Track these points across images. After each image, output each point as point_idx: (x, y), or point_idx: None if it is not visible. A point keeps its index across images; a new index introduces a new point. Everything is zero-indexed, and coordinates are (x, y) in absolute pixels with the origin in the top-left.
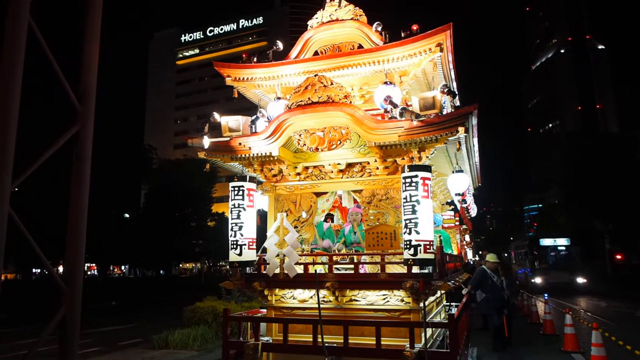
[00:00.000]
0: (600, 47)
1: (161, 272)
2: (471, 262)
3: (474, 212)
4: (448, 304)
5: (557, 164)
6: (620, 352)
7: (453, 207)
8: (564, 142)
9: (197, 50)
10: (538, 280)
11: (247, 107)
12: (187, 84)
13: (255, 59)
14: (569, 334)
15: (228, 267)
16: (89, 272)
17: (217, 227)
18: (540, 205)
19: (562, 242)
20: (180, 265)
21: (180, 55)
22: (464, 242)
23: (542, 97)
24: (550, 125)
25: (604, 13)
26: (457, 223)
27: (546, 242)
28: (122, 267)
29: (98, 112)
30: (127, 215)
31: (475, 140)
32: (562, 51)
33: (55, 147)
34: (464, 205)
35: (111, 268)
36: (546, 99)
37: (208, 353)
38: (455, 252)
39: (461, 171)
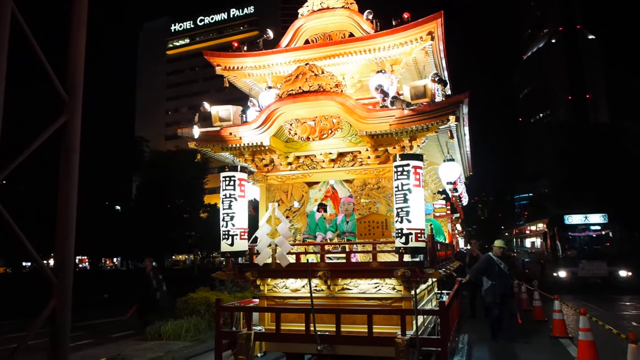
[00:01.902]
0: (590, 37)
1: (154, 264)
2: (463, 251)
3: (465, 200)
4: (440, 291)
5: (548, 154)
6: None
7: (444, 196)
8: (555, 132)
9: (187, 40)
10: (562, 273)
11: (239, 98)
12: (178, 75)
13: (245, 48)
14: (557, 319)
15: (221, 258)
16: (80, 265)
17: (209, 219)
18: (531, 195)
19: (596, 218)
20: (173, 257)
21: (171, 45)
22: (456, 231)
23: (533, 87)
24: (541, 115)
25: (596, 3)
26: (449, 212)
27: (574, 219)
28: (114, 260)
29: (87, 103)
30: (118, 208)
31: (466, 129)
32: (553, 41)
33: (42, 139)
34: (456, 194)
35: (103, 261)
36: (537, 89)
37: (201, 343)
38: (446, 241)
39: (452, 160)
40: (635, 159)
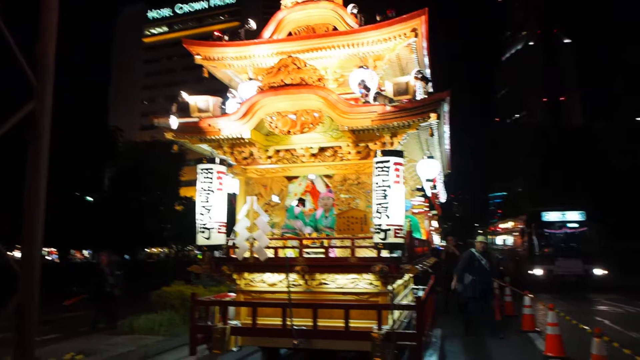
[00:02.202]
0: (566, 40)
1: (126, 257)
2: (438, 247)
3: (443, 198)
4: (415, 287)
5: (523, 154)
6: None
7: (423, 192)
8: (530, 132)
9: (165, 28)
10: (538, 271)
11: (218, 89)
12: (155, 63)
13: (226, 38)
14: (526, 314)
15: (196, 251)
16: (48, 257)
17: (185, 212)
18: (505, 194)
19: (573, 216)
20: (147, 250)
21: (148, 33)
22: (432, 228)
23: (510, 88)
24: (518, 115)
25: (573, 8)
26: (427, 209)
27: (552, 216)
28: (85, 252)
29: (58, 90)
30: (90, 198)
31: (447, 127)
32: (531, 43)
33: (9, 126)
34: (434, 191)
35: (72, 253)
36: (514, 90)
37: (175, 338)
38: (423, 237)
39: (432, 157)
40: (606, 161)
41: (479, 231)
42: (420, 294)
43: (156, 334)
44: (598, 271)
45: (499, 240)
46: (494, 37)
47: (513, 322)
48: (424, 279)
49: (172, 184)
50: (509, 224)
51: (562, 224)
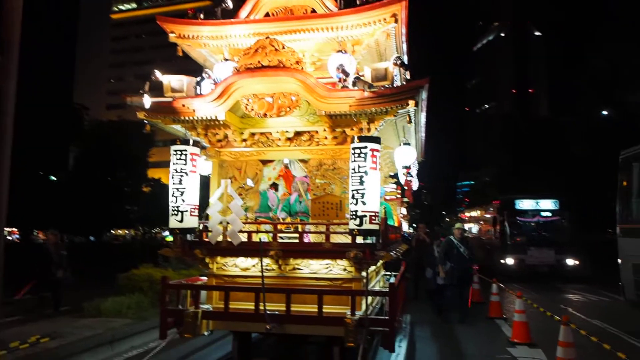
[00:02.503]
0: (537, 33)
1: (91, 238)
2: (405, 234)
3: (415, 185)
4: (387, 273)
5: (491, 144)
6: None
7: (396, 180)
8: (499, 123)
9: (134, 5)
10: (510, 261)
11: (190, 69)
12: (122, 41)
13: (202, 16)
14: (494, 301)
15: (165, 234)
16: (9, 237)
17: (152, 193)
18: (473, 182)
19: (547, 205)
20: (113, 231)
21: (116, 9)
22: (401, 215)
23: (481, 78)
24: (487, 106)
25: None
26: (399, 196)
27: (525, 204)
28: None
29: (22, 66)
30: (54, 178)
31: (424, 114)
32: (502, 35)
33: None
34: (409, 179)
35: (35, 233)
36: (484, 81)
37: (143, 321)
38: (396, 224)
39: (408, 144)
40: (572, 152)
41: (446, 219)
42: (392, 280)
43: (124, 317)
44: (570, 261)
45: (467, 227)
46: (466, 27)
47: (480, 308)
48: (395, 265)
49: (140, 164)
50: (480, 212)
51: (536, 212)
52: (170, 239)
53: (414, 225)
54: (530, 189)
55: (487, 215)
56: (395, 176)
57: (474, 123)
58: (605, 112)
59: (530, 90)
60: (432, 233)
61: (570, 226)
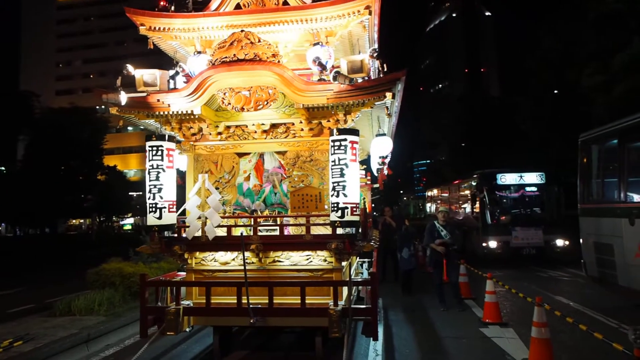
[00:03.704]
0: (487, 13)
1: (46, 229)
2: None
3: (385, 172)
4: (361, 259)
5: (446, 123)
6: (513, 298)
7: (365, 166)
8: (453, 103)
9: None
10: (492, 243)
11: (142, 53)
12: (70, 24)
13: (173, 8)
14: (462, 282)
15: (123, 223)
16: None
17: (108, 181)
18: (429, 162)
19: (532, 178)
20: (68, 222)
21: None
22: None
23: (434, 58)
24: (440, 85)
25: None
26: (369, 182)
27: (507, 178)
28: None
29: None
30: (2, 169)
31: (398, 104)
32: (454, 15)
33: None
34: (381, 167)
35: None
36: (438, 61)
37: (117, 318)
38: (368, 211)
39: (384, 134)
40: (522, 132)
41: (404, 198)
42: (365, 266)
43: (97, 315)
44: (560, 242)
45: (434, 207)
46: (419, 7)
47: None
48: (367, 253)
49: (94, 152)
50: (451, 189)
51: (520, 187)
52: (128, 227)
53: (382, 208)
54: (483, 167)
55: (463, 193)
56: (365, 162)
57: (429, 102)
58: (556, 92)
59: (482, 70)
60: (397, 215)
61: (558, 202)
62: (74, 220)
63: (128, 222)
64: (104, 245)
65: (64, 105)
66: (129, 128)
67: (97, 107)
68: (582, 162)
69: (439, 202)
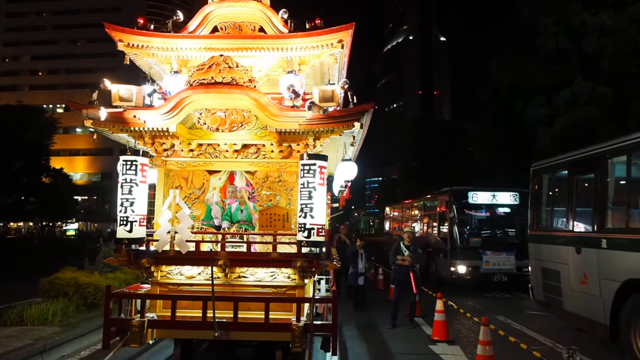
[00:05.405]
0: (442, 39)
1: None
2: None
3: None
4: (320, 276)
5: (398, 142)
6: (460, 318)
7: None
8: (407, 123)
9: None
10: (461, 268)
11: (97, 54)
12: (20, 18)
13: (152, 27)
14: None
15: (66, 228)
16: None
17: (54, 184)
18: (381, 179)
19: (505, 198)
20: (9, 225)
21: None
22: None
23: (390, 78)
24: (395, 105)
25: (449, 7)
26: (329, 202)
27: (479, 197)
28: None
29: None
30: None
31: (364, 133)
32: (411, 38)
33: None
34: (342, 188)
35: None
36: (393, 81)
37: (73, 329)
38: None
39: (350, 160)
40: (470, 155)
41: (355, 214)
42: (323, 283)
43: (51, 325)
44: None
45: (392, 225)
46: (377, 29)
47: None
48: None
49: (39, 153)
50: (415, 206)
51: (493, 207)
52: (71, 233)
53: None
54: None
55: (427, 212)
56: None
57: (382, 121)
58: (504, 121)
59: (435, 92)
60: (349, 232)
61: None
62: (14, 224)
63: (72, 228)
64: (46, 251)
65: (11, 101)
66: (77, 130)
67: (44, 105)
68: (533, 189)
69: (399, 220)
